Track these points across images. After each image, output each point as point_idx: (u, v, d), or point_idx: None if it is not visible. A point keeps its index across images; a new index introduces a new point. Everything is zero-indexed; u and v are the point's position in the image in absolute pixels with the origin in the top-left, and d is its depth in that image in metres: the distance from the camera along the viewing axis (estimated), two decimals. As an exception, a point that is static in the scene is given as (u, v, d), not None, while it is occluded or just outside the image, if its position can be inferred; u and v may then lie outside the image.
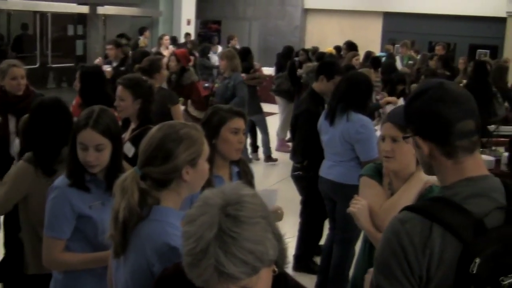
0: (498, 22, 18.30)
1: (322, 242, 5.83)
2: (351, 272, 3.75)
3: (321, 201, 5.36)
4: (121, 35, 15.54)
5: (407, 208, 1.87)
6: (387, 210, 3.01)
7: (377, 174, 3.20)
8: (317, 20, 21.35)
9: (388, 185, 3.15)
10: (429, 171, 1.99)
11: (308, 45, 17.33)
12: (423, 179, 3.02)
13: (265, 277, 1.58)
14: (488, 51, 17.71)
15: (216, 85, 8.39)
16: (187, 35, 16.88)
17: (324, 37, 20.17)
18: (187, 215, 1.59)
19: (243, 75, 9.67)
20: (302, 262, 5.92)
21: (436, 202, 1.84)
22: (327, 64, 6.03)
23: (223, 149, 3.24)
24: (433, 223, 1.75)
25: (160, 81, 6.24)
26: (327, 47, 15.45)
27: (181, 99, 7.62)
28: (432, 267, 1.74)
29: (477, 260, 1.66)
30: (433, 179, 3.07)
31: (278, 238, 1.61)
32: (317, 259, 5.82)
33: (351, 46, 12.46)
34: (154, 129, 2.34)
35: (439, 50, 13.25)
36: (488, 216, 1.75)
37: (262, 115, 10.12)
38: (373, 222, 3.03)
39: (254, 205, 1.57)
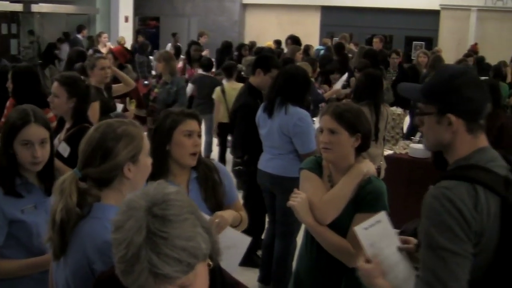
0: (432, 14, 18.77)
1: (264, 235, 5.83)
2: (294, 264, 3.74)
3: (262, 194, 5.37)
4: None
5: (445, 178, 2.10)
6: (327, 203, 3.03)
7: (317, 167, 3.21)
8: (256, 15, 21.41)
9: (328, 177, 3.16)
10: (439, 146, 2.24)
11: (247, 40, 17.35)
12: (362, 171, 3.05)
13: (202, 272, 1.56)
14: (423, 42, 18.13)
15: (156, 90, 7.88)
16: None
17: (263, 31, 20.25)
18: (113, 222, 1.56)
19: (202, 72, 9.59)
20: (246, 256, 5.87)
21: (469, 168, 2.10)
22: (264, 57, 6.03)
23: (177, 154, 3.08)
24: (475, 184, 2.03)
25: (94, 79, 6.08)
26: (267, 42, 15.53)
27: (132, 101, 7.39)
28: (484, 221, 2.00)
29: None
30: (372, 170, 3.12)
31: (208, 231, 1.59)
32: (260, 253, 5.81)
33: (296, 41, 12.59)
34: (92, 129, 2.31)
35: (376, 42, 13.43)
36: (507, 175, 2.10)
37: (212, 115, 10.03)
38: (313, 215, 3.04)
39: (180, 202, 1.55)
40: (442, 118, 2.16)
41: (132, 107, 6.86)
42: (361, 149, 3.12)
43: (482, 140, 2.18)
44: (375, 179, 3.10)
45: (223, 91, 8.48)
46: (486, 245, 2.01)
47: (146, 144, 2.35)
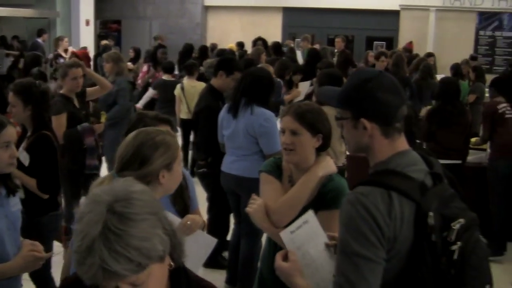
0: (392, 15, 18.98)
1: (229, 237, 5.84)
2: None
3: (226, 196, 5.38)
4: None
5: (362, 183, 2.10)
6: (283, 205, 3.05)
7: (276, 169, 3.23)
8: (218, 17, 21.36)
9: (289, 178, 3.18)
10: (359, 150, 2.25)
11: (209, 42, 17.32)
12: (319, 174, 3.07)
13: (158, 272, 1.58)
14: (384, 42, 18.32)
15: None
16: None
17: (225, 33, 20.22)
18: (77, 213, 1.58)
19: (165, 77, 9.56)
20: (212, 258, 5.85)
21: (386, 174, 2.11)
22: (227, 60, 6.05)
23: None
24: (390, 190, 2.04)
25: (65, 88, 5.99)
26: (229, 44, 15.52)
27: (103, 113, 7.22)
28: (397, 227, 2.02)
29: (431, 214, 2.01)
30: (332, 167, 3.14)
31: (171, 233, 1.61)
32: (226, 254, 5.82)
33: (266, 43, 13.38)
34: (131, 136, 2.49)
35: (338, 42, 13.58)
36: (424, 179, 2.10)
37: (175, 117, 9.99)
38: (270, 219, 3.05)
39: (142, 202, 1.57)
40: (357, 122, 2.17)
41: (102, 119, 6.69)
42: (321, 149, 3.15)
43: (401, 143, 2.19)
44: (337, 177, 3.13)
45: (182, 89, 8.81)
46: (398, 250, 2.03)
47: (180, 153, 2.57)
